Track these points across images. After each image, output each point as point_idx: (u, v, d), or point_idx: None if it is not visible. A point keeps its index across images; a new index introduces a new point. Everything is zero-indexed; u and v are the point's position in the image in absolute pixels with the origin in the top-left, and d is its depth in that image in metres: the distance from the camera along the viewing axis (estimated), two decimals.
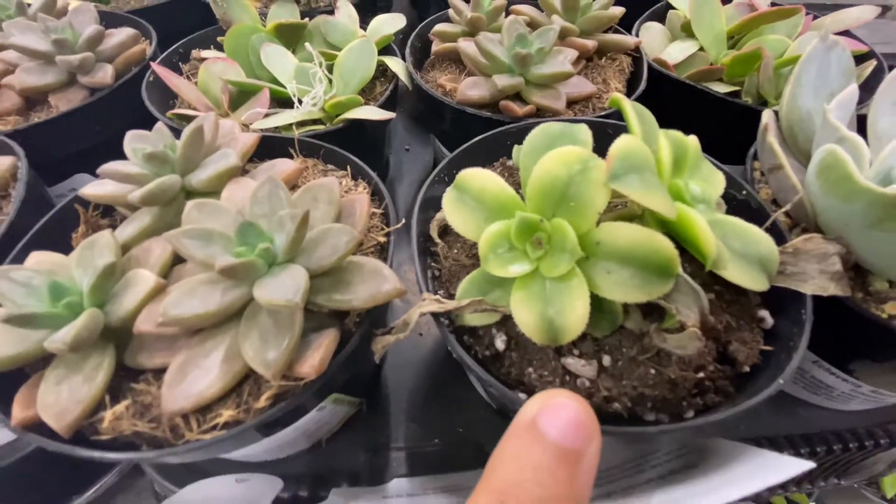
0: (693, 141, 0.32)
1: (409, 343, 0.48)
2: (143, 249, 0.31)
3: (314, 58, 0.48)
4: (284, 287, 0.25)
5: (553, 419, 0.20)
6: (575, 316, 0.27)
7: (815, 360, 0.39)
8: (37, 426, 0.25)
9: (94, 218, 0.36)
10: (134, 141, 0.35)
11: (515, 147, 0.37)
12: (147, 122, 0.59)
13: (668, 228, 0.28)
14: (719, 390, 0.28)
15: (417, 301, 0.29)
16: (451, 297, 0.32)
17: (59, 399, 0.24)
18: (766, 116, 0.38)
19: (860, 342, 0.35)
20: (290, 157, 0.41)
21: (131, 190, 0.34)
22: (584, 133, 0.31)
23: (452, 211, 0.32)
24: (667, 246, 0.25)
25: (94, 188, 0.33)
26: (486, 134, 0.41)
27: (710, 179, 0.34)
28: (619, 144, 0.26)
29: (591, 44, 0.49)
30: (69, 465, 0.45)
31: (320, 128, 0.47)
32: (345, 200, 0.33)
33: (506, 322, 0.31)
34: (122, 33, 0.52)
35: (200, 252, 0.26)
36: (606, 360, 0.28)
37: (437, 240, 0.35)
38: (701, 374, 0.27)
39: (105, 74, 0.49)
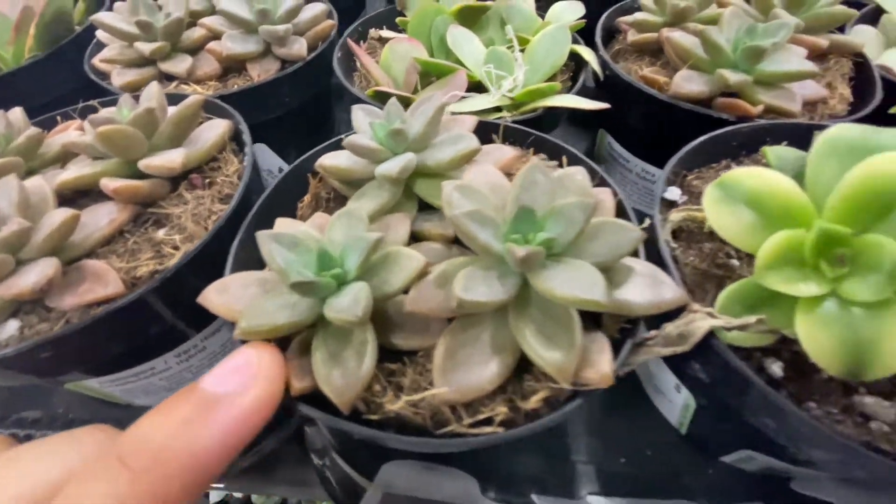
0: None
1: None
2: (383, 225, 0.30)
3: (513, 41, 0.47)
4: (577, 281, 0.23)
5: (217, 372, 0.20)
6: (891, 351, 0.23)
7: None
8: (307, 398, 0.24)
9: (318, 188, 0.36)
10: (367, 115, 0.35)
11: (768, 149, 0.33)
12: (324, 97, 0.60)
13: None
14: None
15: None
16: None
17: (335, 374, 0.24)
18: None
19: None
20: (491, 143, 0.39)
21: (364, 165, 0.33)
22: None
23: (716, 212, 0.29)
24: None
25: (332, 160, 0.33)
26: (714, 133, 0.37)
27: None
28: None
29: (823, 43, 0.44)
30: None
31: (501, 115, 0.45)
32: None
33: (780, 347, 0.27)
34: (316, 8, 0.53)
35: (481, 236, 0.24)
36: None
37: (672, 243, 0.33)
38: None
39: (301, 47, 0.49)
